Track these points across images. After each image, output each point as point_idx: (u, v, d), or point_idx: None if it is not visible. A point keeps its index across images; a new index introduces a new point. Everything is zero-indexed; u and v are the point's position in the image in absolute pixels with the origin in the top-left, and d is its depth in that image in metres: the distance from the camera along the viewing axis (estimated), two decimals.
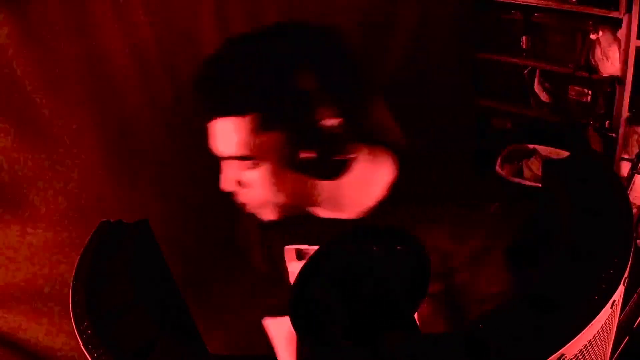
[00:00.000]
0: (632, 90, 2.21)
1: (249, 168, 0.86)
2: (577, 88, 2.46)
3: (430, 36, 2.15)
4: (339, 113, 0.81)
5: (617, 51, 2.20)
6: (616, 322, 0.61)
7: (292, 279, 1.10)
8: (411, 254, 0.66)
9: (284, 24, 0.87)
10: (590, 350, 0.55)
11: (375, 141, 0.95)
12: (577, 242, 0.60)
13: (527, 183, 2.38)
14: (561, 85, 2.51)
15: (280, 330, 1.02)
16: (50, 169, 1.22)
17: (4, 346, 1.24)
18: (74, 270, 0.70)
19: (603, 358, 0.60)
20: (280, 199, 0.89)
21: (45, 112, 1.19)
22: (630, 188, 2.19)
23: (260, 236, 1.13)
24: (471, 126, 2.68)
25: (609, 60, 2.24)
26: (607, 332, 0.58)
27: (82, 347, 0.59)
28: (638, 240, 1.37)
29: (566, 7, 2.28)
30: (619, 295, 0.56)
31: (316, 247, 1.03)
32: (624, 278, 0.56)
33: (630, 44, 2.12)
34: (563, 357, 0.51)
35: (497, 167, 2.50)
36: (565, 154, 0.74)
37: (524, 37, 2.50)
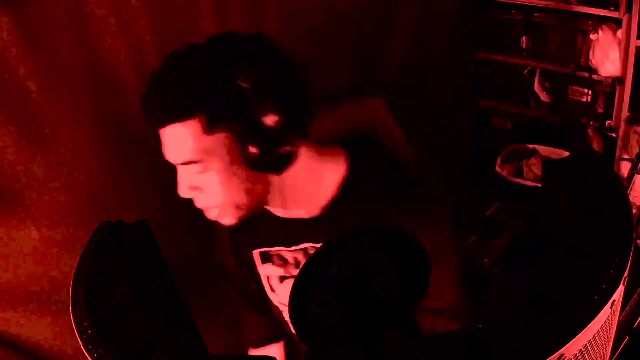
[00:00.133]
0: (632, 90, 2.21)
1: (200, 172, 0.90)
2: (577, 88, 2.46)
3: (430, 36, 2.15)
4: (278, 111, 0.85)
5: (617, 51, 2.20)
6: (616, 322, 0.61)
7: (263, 281, 1.12)
8: (411, 254, 0.66)
9: (216, 36, 0.91)
10: (590, 350, 0.55)
11: (323, 140, 0.98)
12: (577, 242, 0.60)
13: (527, 183, 2.38)
14: (561, 85, 2.52)
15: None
16: (50, 169, 1.22)
17: (4, 346, 1.24)
18: (73, 270, 0.70)
19: (603, 358, 0.60)
20: (234, 198, 0.92)
21: (45, 112, 1.19)
22: (630, 188, 2.19)
23: (229, 241, 1.15)
24: (471, 126, 2.68)
25: (609, 60, 2.24)
26: (607, 332, 0.58)
27: (82, 347, 0.59)
28: (638, 240, 1.37)
29: (566, 7, 2.28)
30: (619, 295, 0.56)
31: (279, 248, 1.05)
32: (624, 278, 0.56)
33: (630, 44, 2.12)
34: (563, 357, 0.51)
35: (497, 167, 2.50)
36: (565, 154, 0.74)
37: (524, 37, 2.51)
